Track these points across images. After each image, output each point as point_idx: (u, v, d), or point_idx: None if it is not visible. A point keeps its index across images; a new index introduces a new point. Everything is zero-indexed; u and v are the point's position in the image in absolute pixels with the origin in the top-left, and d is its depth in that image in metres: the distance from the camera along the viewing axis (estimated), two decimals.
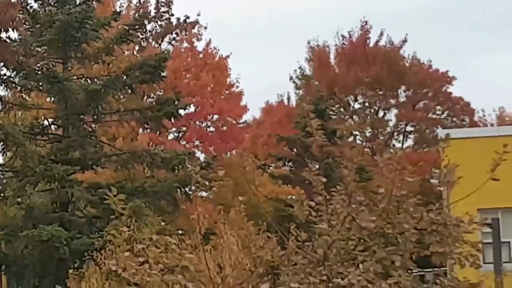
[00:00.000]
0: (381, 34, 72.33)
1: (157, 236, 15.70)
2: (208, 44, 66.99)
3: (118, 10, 58.48)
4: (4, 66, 46.18)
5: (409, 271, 15.44)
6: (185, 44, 66.77)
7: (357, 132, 68.64)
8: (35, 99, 50.85)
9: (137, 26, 55.70)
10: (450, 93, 72.73)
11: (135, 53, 56.01)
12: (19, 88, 50.56)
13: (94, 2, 51.22)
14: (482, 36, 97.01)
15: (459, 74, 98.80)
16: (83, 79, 48.95)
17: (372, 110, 72.60)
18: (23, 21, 43.84)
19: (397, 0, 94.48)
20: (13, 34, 40.74)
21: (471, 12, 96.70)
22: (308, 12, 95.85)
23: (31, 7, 48.30)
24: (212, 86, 64.70)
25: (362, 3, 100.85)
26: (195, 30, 66.95)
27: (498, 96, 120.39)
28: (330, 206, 15.49)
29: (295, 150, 57.86)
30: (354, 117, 70.39)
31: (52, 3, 49.52)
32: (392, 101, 72.70)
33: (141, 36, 58.87)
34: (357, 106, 71.76)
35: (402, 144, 70.05)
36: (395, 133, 72.80)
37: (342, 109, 69.15)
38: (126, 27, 53.17)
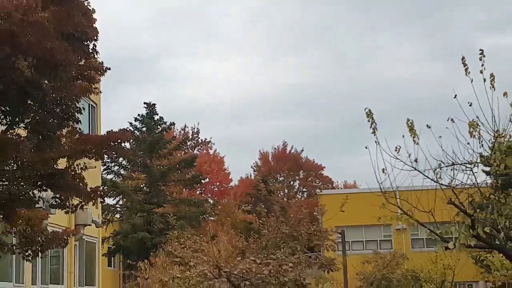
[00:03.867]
0: (292, 147, 72.45)
1: (190, 236, 15.59)
2: (215, 151, 67.43)
3: (174, 135, 58.40)
4: (122, 159, 46.16)
5: (304, 253, 15.37)
6: (205, 151, 66.94)
7: (280, 190, 68.64)
8: (137, 175, 50.50)
9: (183, 143, 55.80)
10: (322, 174, 72.72)
11: (182, 155, 55.77)
12: (129, 169, 50.38)
13: (164, 132, 51.20)
14: (336, 144, 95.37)
15: (329, 164, 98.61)
16: (159, 166, 48.71)
17: (287, 181, 72.43)
18: (132, 139, 43.72)
19: (298, 126, 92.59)
20: (127, 145, 40.62)
21: (338, 135, 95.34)
22: (259, 135, 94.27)
23: (136, 134, 48.26)
24: (216, 170, 64.89)
25: (284, 129, 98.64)
26: (209, 145, 67.33)
27: (347, 174, 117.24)
28: (268, 222, 15.49)
29: (253, 199, 57.57)
30: (279, 184, 70.06)
31: (145, 131, 49.47)
32: (296, 177, 72.55)
33: (184, 147, 58.68)
34: (281, 179, 71.48)
35: (301, 196, 69.70)
36: (298, 192, 72.52)
37: (274, 181, 68.86)
38: (178, 144, 53.16)
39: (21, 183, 12.74)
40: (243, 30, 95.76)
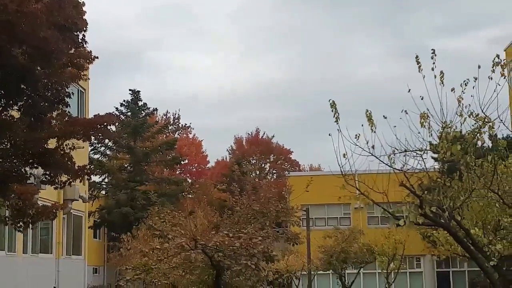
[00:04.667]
0: (264, 133, 72.36)
1: (169, 211, 15.55)
2: (194, 135, 67.21)
3: (157, 120, 58.07)
4: (108, 141, 45.83)
5: (272, 228, 15.43)
6: (184, 135, 66.64)
7: (252, 172, 68.47)
8: (122, 155, 50.11)
9: (164, 127, 55.49)
10: (290, 158, 72.70)
11: (163, 138, 55.36)
12: (114, 150, 50.00)
13: (147, 117, 50.85)
14: (304, 132, 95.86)
15: (297, 149, 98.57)
16: (142, 148, 48.39)
17: (259, 163, 72.17)
18: (117, 123, 43.37)
19: (270, 116, 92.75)
20: (113, 128, 40.15)
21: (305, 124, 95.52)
22: (235, 122, 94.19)
23: (121, 118, 47.87)
24: (194, 152, 64.66)
25: (258, 118, 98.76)
26: (188, 130, 67.06)
27: (312, 158, 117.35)
28: (241, 200, 15.51)
29: (227, 179, 57.26)
30: (252, 166, 69.68)
31: (129, 116, 49.10)
32: (267, 160, 72.26)
33: (166, 131, 58.29)
34: (253, 162, 71.20)
35: (271, 177, 69.56)
36: (268, 173, 72.31)
37: (247, 163, 68.42)
38: (160, 128, 52.87)
39: (14, 161, 12.65)
40: (225, 27, 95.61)
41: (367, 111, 7.79)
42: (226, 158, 71.51)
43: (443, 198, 7.84)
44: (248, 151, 71.07)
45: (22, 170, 12.70)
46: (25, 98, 12.23)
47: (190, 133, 67.55)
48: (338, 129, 7.85)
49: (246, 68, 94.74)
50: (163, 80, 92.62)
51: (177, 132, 66.62)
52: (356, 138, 7.78)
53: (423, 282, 44.77)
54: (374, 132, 7.72)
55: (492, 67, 7.76)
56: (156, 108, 53.28)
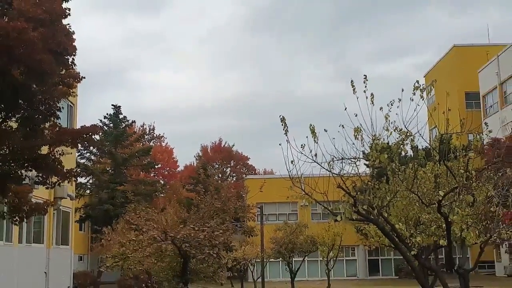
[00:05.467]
0: (225, 142, 72.17)
1: (144, 208, 15.38)
2: (166, 143, 66.70)
3: (135, 130, 57.35)
4: (93, 148, 45.00)
5: (231, 222, 15.39)
6: (158, 143, 66.01)
7: (215, 175, 68.05)
8: (104, 160, 49.24)
9: (141, 137, 54.71)
10: (248, 163, 72.57)
11: (140, 146, 54.64)
12: (98, 156, 49.14)
13: (127, 128, 50.21)
14: (259, 140, 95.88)
15: (253, 155, 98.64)
16: (122, 154, 47.67)
17: (221, 168, 71.88)
18: (101, 133, 42.71)
19: (232, 125, 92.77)
20: (97, 137, 39.50)
21: (267, 132, 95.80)
22: (201, 132, 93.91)
23: (104, 128, 47.17)
24: (167, 158, 64.03)
25: (221, 128, 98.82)
26: (162, 139, 66.57)
27: (266, 163, 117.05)
28: (205, 199, 15.43)
29: (194, 181, 56.52)
30: (215, 170, 69.33)
31: (111, 127, 48.40)
32: (228, 165, 71.89)
33: (142, 140, 57.58)
34: (216, 166, 70.86)
35: (231, 179, 69.40)
36: (229, 176, 72.07)
37: (211, 167, 68.04)
38: (137, 137, 52.16)
39: (12, 164, 12.41)
40: (194, 48, 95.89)
41: (311, 125, 7.87)
42: (193, 163, 71.11)
43: (373, 198, 7.99)
44: (212, 157, 70.73)
45: (19, 172, 12.47)
46: (22, 111, 12.05)
47: (163, 142, 67.31)
48: (286, 140, 7.91)
49: (213, 84, 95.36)
50: (141, 95, 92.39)
51: (152, 141, 66.05)
52: (301, 147, 7.86)
53: (357, 268, 45.33)
54: (317, 143, 7.81)
55: (413, 91, 7.93)
56: (134, 121, 52.97)
